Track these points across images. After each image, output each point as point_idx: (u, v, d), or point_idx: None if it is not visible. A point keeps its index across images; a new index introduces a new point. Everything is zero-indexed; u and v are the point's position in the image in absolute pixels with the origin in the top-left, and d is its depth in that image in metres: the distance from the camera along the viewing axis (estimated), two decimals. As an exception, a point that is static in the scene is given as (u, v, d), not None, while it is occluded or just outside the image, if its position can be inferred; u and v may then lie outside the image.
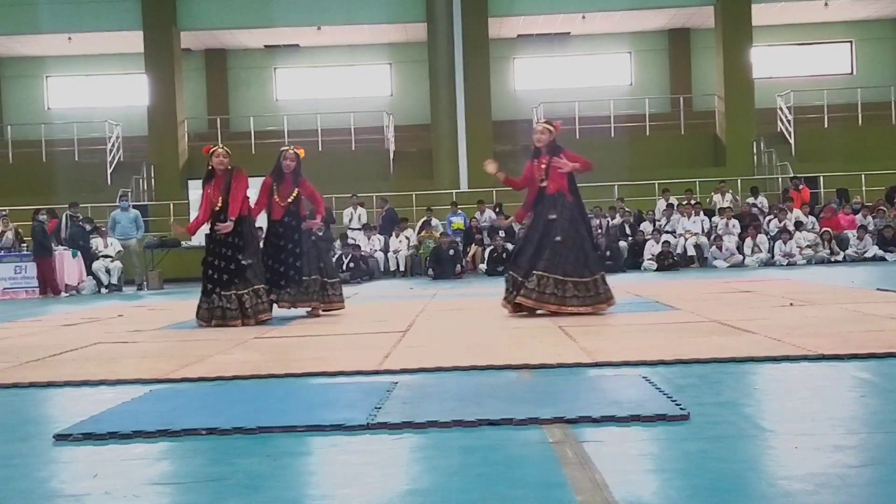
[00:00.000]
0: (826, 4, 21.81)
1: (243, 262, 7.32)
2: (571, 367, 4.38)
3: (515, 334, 5.94)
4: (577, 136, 21.94)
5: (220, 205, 7.33)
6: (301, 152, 7.82)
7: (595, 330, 5.96)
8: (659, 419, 3.04)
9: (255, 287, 7.36)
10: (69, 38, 22.02)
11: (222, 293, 7.26)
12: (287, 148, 7.85)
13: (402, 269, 17.28)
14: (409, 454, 2.80)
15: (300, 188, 7.74)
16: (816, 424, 2.93)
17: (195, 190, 18.15)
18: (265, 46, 24.09)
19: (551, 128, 7.24)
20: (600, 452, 2.66)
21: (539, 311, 6.95)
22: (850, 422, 3.03)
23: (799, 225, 16.13)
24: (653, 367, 4.28)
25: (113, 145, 21.79)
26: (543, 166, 7.17)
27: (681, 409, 3.14)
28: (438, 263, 15.12)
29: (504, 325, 6.59)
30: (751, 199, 17.92)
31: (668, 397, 3.37)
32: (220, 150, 7.41)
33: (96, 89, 24.27)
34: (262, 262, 7.59)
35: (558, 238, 6.94)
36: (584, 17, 22.26)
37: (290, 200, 7.67)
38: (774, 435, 2.81)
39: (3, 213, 16.21)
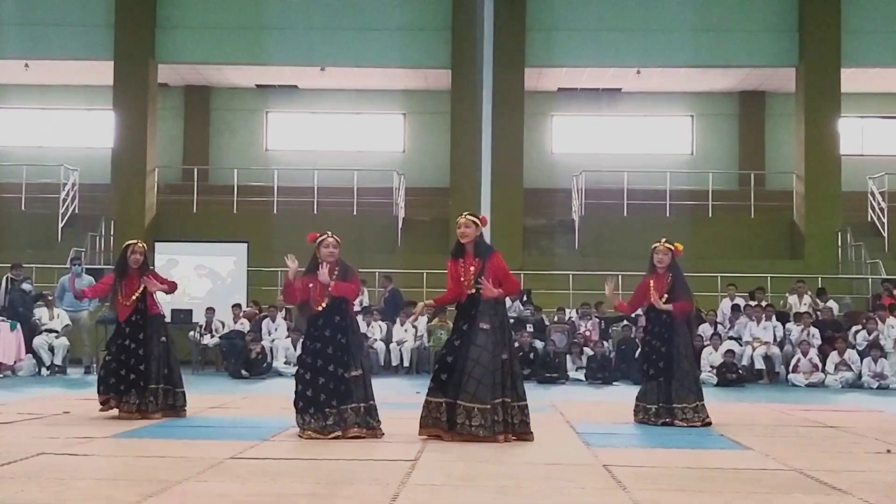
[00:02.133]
0: (930, 70, 22.06)
1: (348, 374, 7.40)
2: (623, 530, 4.32)
3: (550, 473, 5.87)
4: (625, 213, 22.09)
5: (325, 303, 7.46)
6: (143, 246, 8.86)
7: (648, 473, 5.89)
8: None
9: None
10: (26, 66, 22.41)
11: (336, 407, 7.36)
12: (134, 242, 8.81)
13: (406, 364, 17.21)
14: None
15: (147, 283, 8.66)
16: None
17: (162, 254, 18.33)
18: (257, 86, 24.47)
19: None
20: None
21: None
22: None
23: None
24: (724, 535, 4.22)
25: (67, 194, 21.96)
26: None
27: None
28: (451, 361, 15.05)
29: (535, 456, 6.53)
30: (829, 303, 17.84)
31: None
32: (331, 239, 7.57)
33: (53, 126, 24.63)
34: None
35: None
36: (639, 73, 22.57)
37: (134, 298, 8.64)
38: None
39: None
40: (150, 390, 8.59)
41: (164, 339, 8.75)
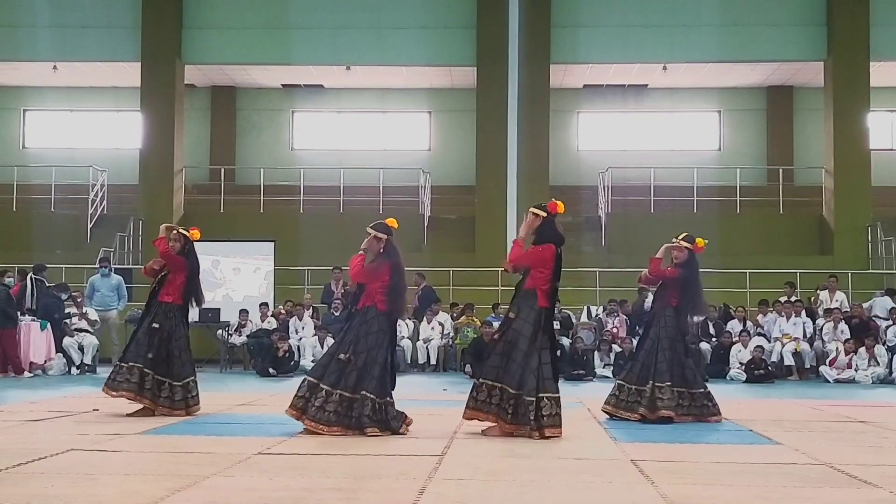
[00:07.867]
0: (960, 65, 21.83)
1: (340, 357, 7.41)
2: (651, 524, 4.31)
3: (578, 468, 5.87)
4: (652, 210, 22.01)
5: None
6: (196, 234, 8.89)
7: (676, 468, 5.87)
8: None
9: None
10: (54, 68, 22.60)
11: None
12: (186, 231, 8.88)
13: (432, 362, 17.21)
14: None
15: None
16: None
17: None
18: (282, 86, 24.55)
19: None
20: None
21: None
22: None
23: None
24: (752, 529, 4.20)
25: (96, 195, 22.16)
26: None
27: None
28: (478, 359, 14.99)
29: (563, 451, 6.52)
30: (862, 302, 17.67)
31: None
32: (370, 230, 7.91)
33: (81, 127, 24.81)
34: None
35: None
36: (665, 69, 22.44)
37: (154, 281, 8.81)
38: None
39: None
40: (123, 368, 8.43)
41: (154, 325, 8.48)
